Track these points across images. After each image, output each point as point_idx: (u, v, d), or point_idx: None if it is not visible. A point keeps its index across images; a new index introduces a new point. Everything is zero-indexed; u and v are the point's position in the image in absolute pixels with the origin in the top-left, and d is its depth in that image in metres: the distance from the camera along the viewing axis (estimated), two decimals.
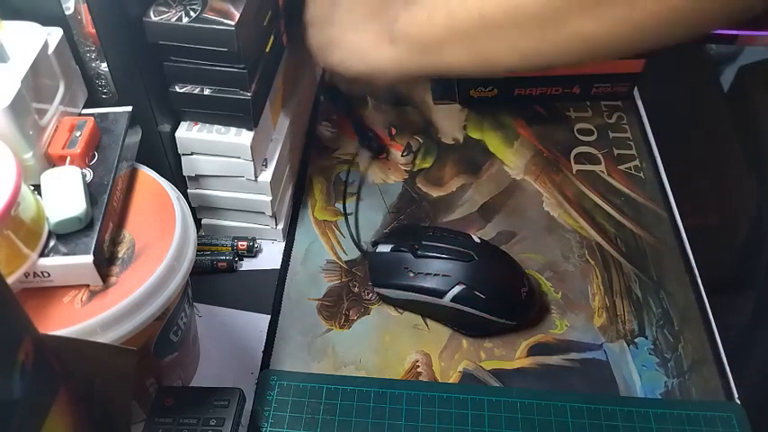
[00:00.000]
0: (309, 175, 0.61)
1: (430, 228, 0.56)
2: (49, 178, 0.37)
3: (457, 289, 0.48)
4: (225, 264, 0.53)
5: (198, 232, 0.51)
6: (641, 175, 0.62)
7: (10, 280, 0.34)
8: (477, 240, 0.52)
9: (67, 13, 0.41)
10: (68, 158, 0.39)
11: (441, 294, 0.48)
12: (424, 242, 0.50)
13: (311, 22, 0.50)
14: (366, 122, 0.66)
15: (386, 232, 0.57)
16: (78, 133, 0.40)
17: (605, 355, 0.49)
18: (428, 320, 0.51)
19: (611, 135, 0.65)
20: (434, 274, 0.49)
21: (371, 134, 0.64)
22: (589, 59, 0.41)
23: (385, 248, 0.52)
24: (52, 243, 0.36)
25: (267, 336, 0.50)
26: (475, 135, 0.65)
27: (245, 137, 0.48)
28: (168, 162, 0.49)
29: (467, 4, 0.40)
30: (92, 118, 0.41)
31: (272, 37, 0.50)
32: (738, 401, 0.47)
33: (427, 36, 0.43)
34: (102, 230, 0.37)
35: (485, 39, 0.41)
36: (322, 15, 0.49)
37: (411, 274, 0.49)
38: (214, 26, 0.42)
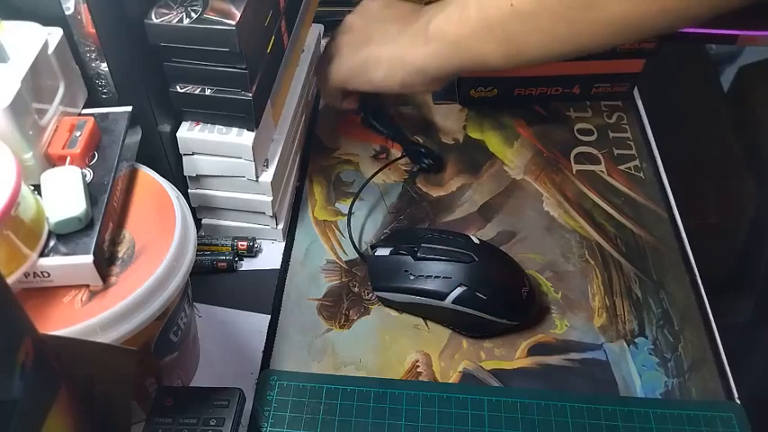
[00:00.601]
0: (309, 175, 0.61)
1: (428, 229, 0.56)
2: (48, 178, 0.37)
3: (458, 291, 0.48)
4: (225, 264, 0.53)
5: (198, 232, 0.51)
6: (641, 175, 0.62)
7: (10, 280, 0.34)
8: (477, 241, 0.51)
9: (67, 13, 0.41)
10: (68, 158, 0.39)
11: (442, 296, 0.48)
12: (423, 244, 0.50)
13: (344, 49, 0.53)
14: (410, 138, 0.64)
15: (385, 233, 0.56)
16: (78, 133, 0.40)
17: (605, 355, 0.49)
18: (428, 321, 0.51)
19: (611, 135, 0.65)
20: (435, 277, 0.49)
21: (424, 150, 0.62)
22: (618, 42, 0.42)
23: (384, 252, 0.52)
24: (52, 243, 0.36)
25: (267, 336, 0.50)
26: (475, 135, 0.65)
27: (246, 137, 0.48)
28: (168, 162, 0.49)
29: None
30: (92, 118, 0.41)
31: (272, 37, 0.50)
32: (738, 401, 0.47)
33: (461, 30, 0.45)
34: (102, 230, 0.37)
35: (517, 28, 0.43)
36: (356, 40, 0.52)
37: (411, 277, 0.49)
38: (215, 26, 0.42)
